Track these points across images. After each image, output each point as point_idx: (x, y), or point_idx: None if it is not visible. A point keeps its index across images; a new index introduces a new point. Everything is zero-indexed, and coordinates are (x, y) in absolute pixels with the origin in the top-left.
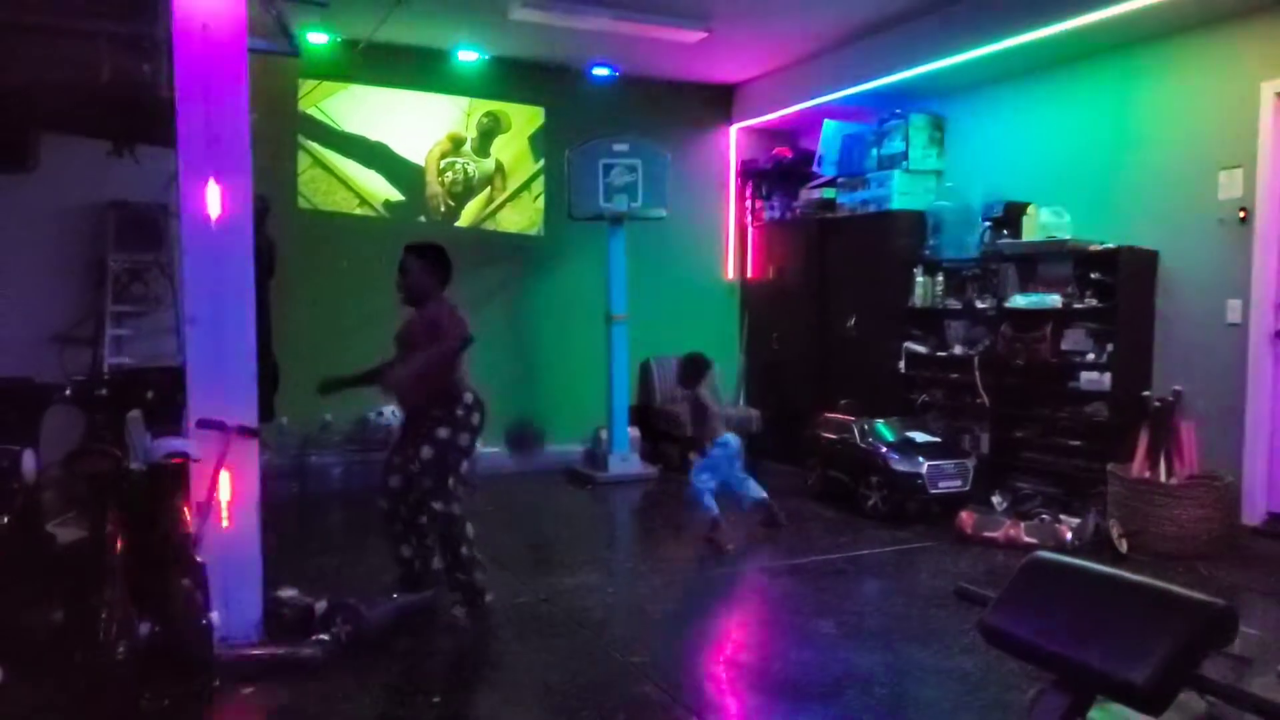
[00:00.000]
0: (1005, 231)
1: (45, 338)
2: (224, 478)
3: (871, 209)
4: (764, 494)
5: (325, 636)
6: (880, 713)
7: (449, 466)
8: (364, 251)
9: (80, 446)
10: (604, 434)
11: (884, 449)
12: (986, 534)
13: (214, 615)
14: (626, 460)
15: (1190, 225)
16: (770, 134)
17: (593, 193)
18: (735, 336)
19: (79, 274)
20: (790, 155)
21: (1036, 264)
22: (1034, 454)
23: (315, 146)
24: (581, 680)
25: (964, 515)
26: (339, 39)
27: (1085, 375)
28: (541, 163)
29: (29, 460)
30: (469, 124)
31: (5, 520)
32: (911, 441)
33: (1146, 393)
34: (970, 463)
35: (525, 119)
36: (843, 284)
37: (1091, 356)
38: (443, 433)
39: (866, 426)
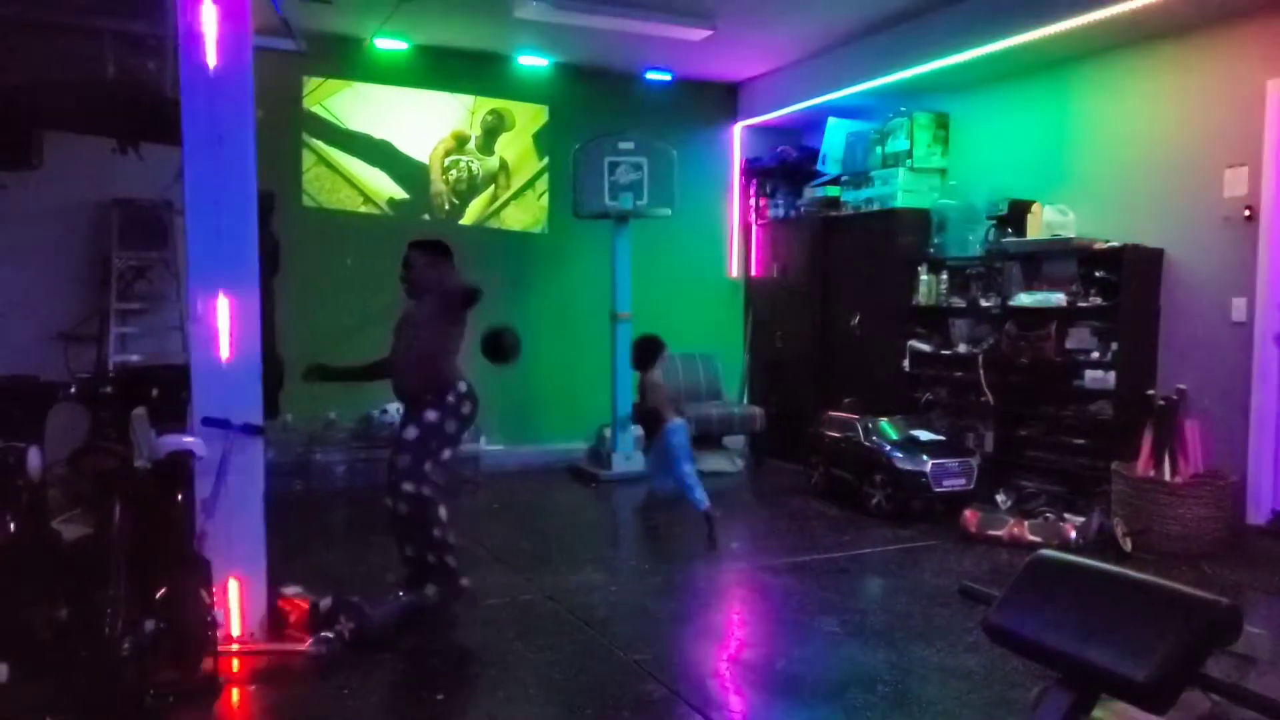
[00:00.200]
0: (1009, 230)
1: (50, 335)
2: (228, 475)
3: (876, 207)
4: (707, 504)
5: (329, 634)
6: (884, 710)
7: (429, 450)
8: (368, 249)
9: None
10: (607, 432)
11: (888, 447)
12: (990, 532)
13: (218, 612)
14: (630, 459)
15: (1195, 223)
16: (775, 132)
17: (598, 191)
18: (739, 334)
19: (84, 272)
20: (794, 153)
21: (1041, 262)
22: (1038, 452)
23: (319, 144)
24: (585, 678)
25: (968, 514)
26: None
27: (1090, 374)
28: (546, 160)
29: (34, 457)
30: (473, 122)
31: (10, 518)
32: (916, 440)
33: (1151, 391)
34: (974, 461)
35: (529, 117)
36: (847, 282)
37: (1096, 355)
38: (431, 415)
39: (871, 425)
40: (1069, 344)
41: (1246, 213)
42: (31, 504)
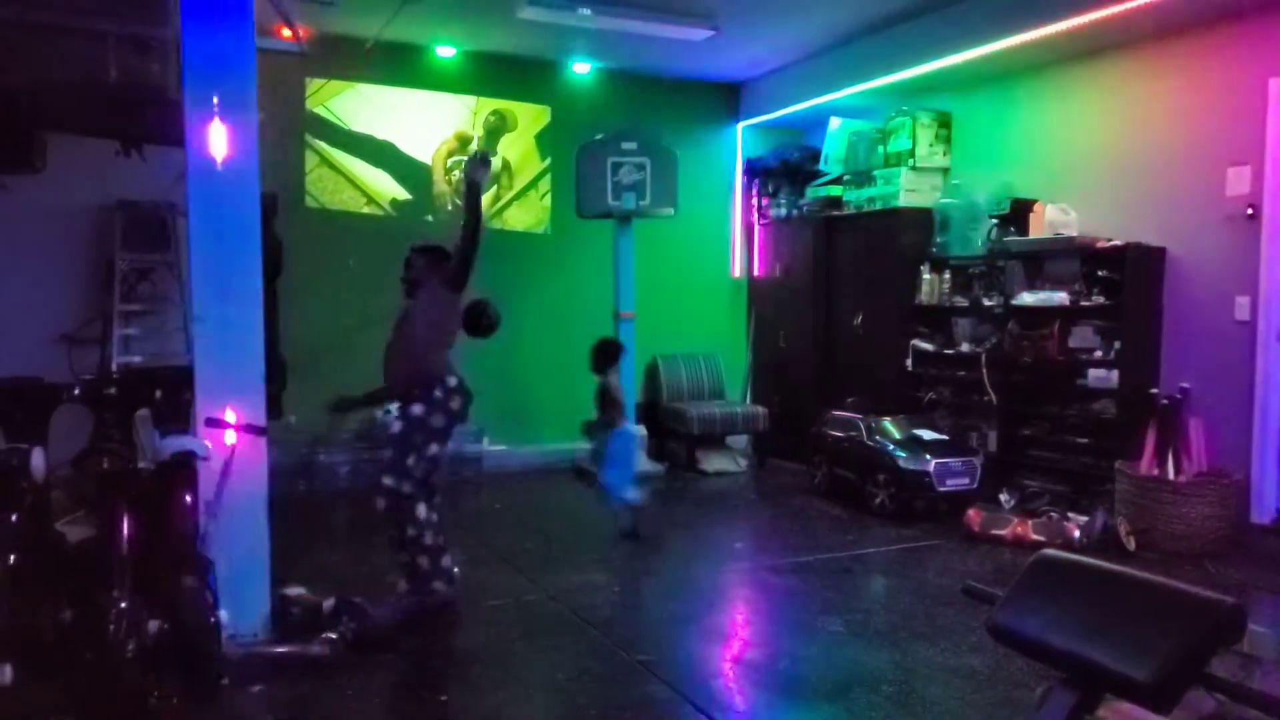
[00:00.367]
0: (1012, 229)
1: (54, 337)
2: (231, 476)
3: (878, 206)
4: (638, 500)
5: (333, 635)
6: (888, 711)
7: (414, 445)
8: (371, 250)
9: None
10: None
11: (891, 447)
12: (994, 532)
13: (222, 613)
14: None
15: (1198, 222)
16: (777, 131)
17: (601, 191)
18: (742, 334)
19: (87, 274)
20: (797, 153)
21: (1043, 261)
22: (1041, 451)
23: (322, 145)
24: (588, 678)
25: (971, 513)
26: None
27: (1093, 372)
28: (548, 161)
29: (38, 459)
30: (476, 123)
31: (15, 519)
32: (919, 439)
33: (1154, 390)
34: (978, 460)
35: (532, 118)
36: (849, 281)
37: (1099, 354)
38: (416, 410)
39: (873, 424)
40: (1072, 343)
41: (1249, 211)
42: (35, 505)
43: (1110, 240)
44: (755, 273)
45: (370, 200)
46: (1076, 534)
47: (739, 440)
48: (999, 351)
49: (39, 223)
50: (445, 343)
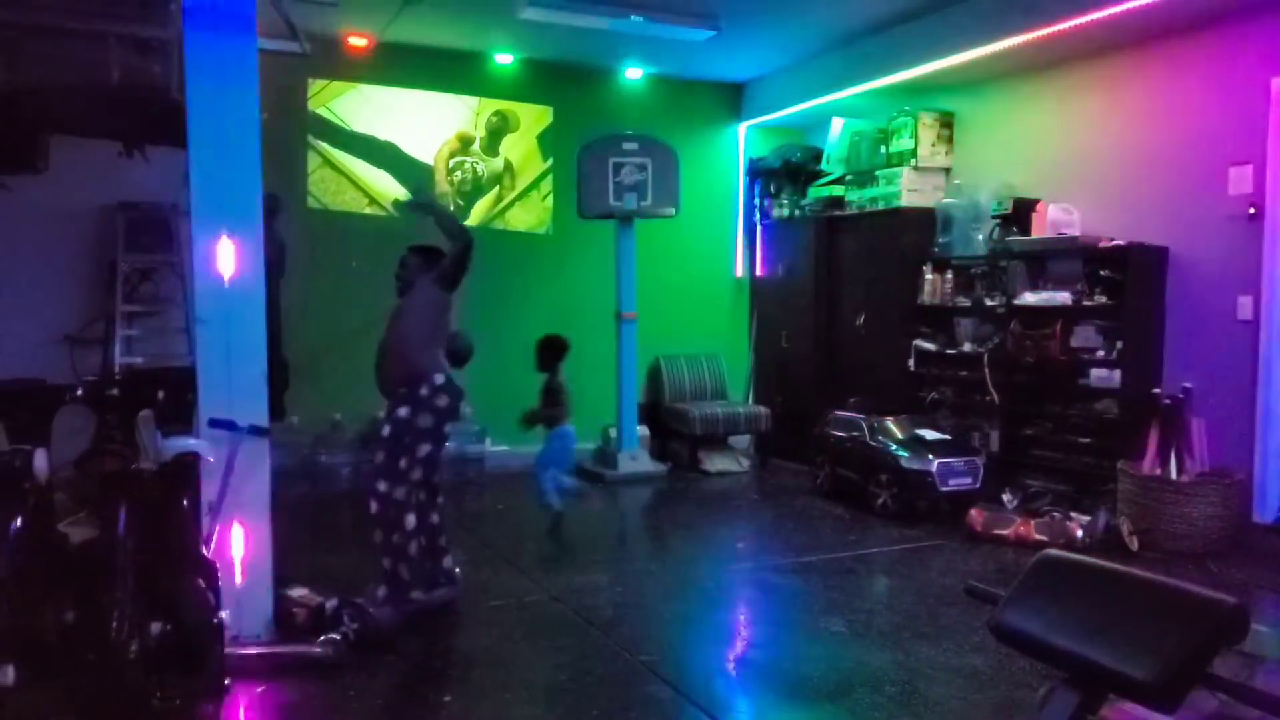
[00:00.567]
0: (1014, 228)
1: (56, 338)
2: (234, 477)
3: (880, 206)
4: (559, 505)
5: (335, 636)
6: (890, 711)
7: (403, 447)
8: (373, 251)
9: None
10: (613, 432)
11: (893, 447)
12: (996, 532)
13: (225, 614)
14: (636, 459)
15: (1200, 221)
16: (779, 131)
17: (602, 192)
18: (744, 334)
19: (89, 275)
20: (799, 153)
21: (1046, 261)
22: (1044, 451)
23: (325, 146)
24: (591, 679)
25: (974, 513)
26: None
27: (1095, 372)
28: (550, 161)
29: (41, 460)
30: (478, 123)
31: (17, 520)
32: (921, 439)
33: (1157, 390)
34: (980, 460)
35: (534, 118)
36: (852, 281)
37: (1101, 353)
38: (402, 411)
39: (876, 424)
40: (1074, 342)
41: (1251, 211)
42: (38, 507)
43: (1113, 240)
44: (757, 273)
45: (372, 201)
46: (1079, 534)
47: (741, 440)
48: (1001, 351)
49: (41, 224)
50: (435, 341)
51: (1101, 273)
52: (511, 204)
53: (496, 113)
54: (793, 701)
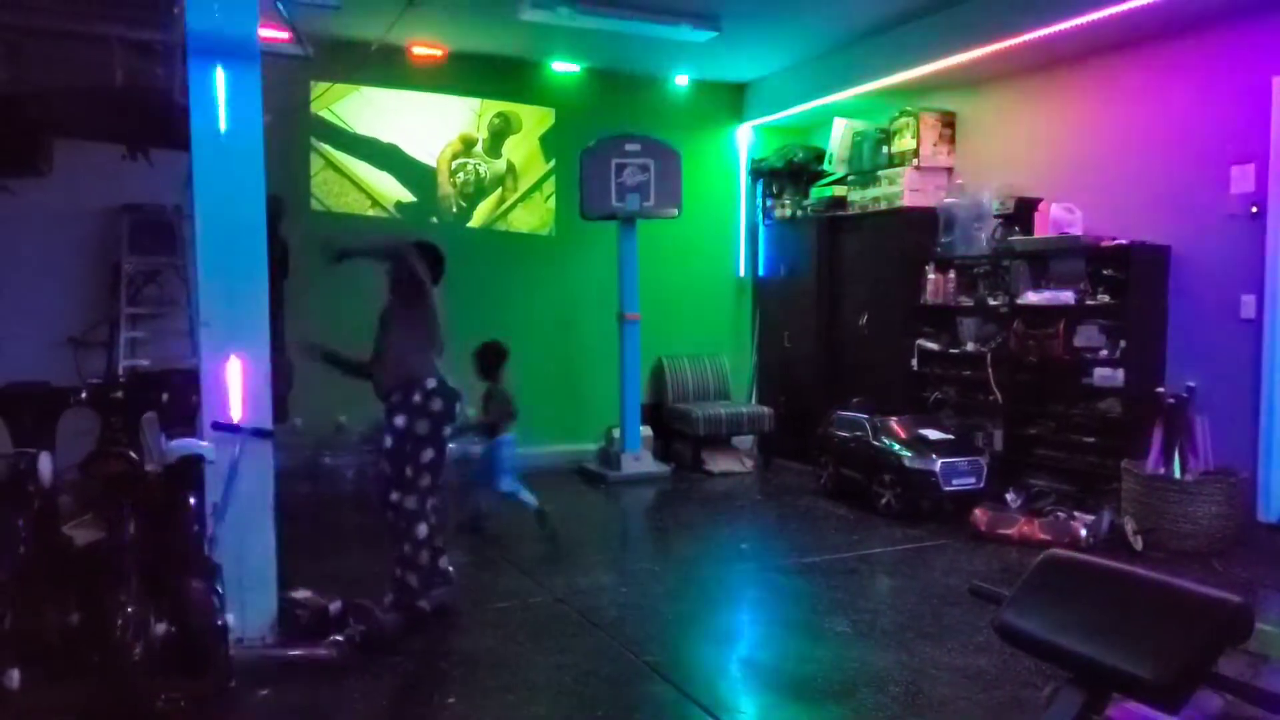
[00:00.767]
0: (1017, 228)
1: (61, 341)
2: (238, 480)
3: (882, 206)
4: (534, 501)
5: (340, 637)
6: (895, 711)
7: (407, 456)
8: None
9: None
10: (616, 433)
11: (897, 447)
12: (1000, 531)
13: (229, 616)
14: (639, 459)
15: (1203, 220)
16: (781, 132)
17: (605, 193)
18: (747, 335)
19: (94, 277)
20: (801, 153)
21: (1048, 260)
22: (1048, 451)
23: (327, 148)
24: (596, 680)
25: (978, 513)
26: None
27: (1098, 371)
28: (553, 163)
29: (45, 463)
30: (480, 125)
31: (23, 522)
32: (924, 439)
33: (1160, 389)
34: (984, 460)
35: (536, 119)
36: (854, 281)
37: (1104, 353)
38: (399, 420)
39: (879, 424)
40: (1077, 342)
41: (1254, 209)
42: (43, 509)
43: (1115, 239)
44: (760, 273)
45: (376, 203)
46: (1083, 533)
47: (744, 441)
48: (1004, 351)
49: (45, 226)
50: (424, 346)
51: (1104, 272)
52: (514, 205)
53: (499, 114)
54: (797, 702)
